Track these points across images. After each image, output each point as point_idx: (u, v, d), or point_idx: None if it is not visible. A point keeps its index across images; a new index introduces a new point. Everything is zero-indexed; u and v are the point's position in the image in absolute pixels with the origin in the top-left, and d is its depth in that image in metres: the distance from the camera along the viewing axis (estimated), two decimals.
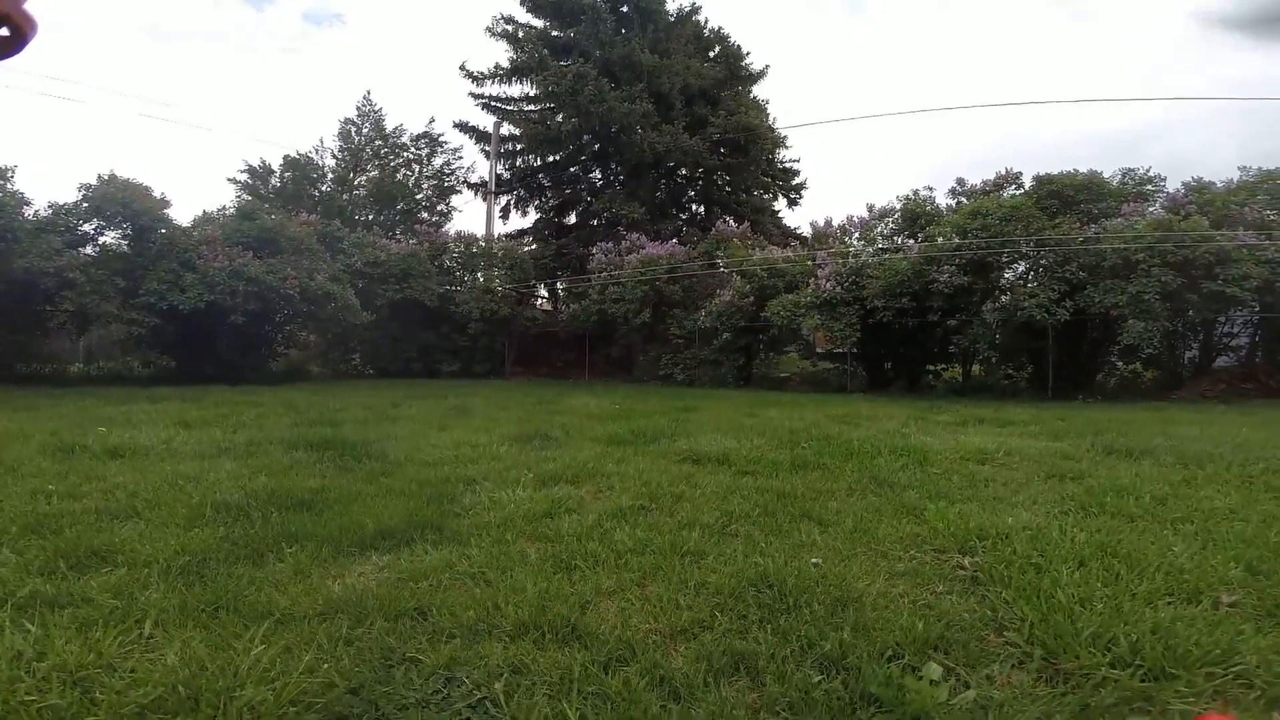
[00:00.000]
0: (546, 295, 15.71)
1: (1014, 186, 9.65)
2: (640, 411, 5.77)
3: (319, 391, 8.10)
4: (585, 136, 15.19)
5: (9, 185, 7.45)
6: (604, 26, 15.44)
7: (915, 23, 50.86)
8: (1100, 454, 3.64)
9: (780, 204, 18.49)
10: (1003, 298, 8.05)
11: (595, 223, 15.22)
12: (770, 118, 18.69)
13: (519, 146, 17.05)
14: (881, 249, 9.66)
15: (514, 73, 16.28)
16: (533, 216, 17.72)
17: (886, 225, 10.16)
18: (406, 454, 3.54)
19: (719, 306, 10.25)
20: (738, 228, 12.83)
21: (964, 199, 10.20)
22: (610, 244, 12.89)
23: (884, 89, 50.75)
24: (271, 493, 2.55)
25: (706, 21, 17.72)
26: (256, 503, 2.41)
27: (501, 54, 16.87)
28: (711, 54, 17.88)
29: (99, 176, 7.70)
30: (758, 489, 2.73)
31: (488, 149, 16.90)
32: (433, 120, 19.13)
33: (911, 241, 9.06)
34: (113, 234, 7.57)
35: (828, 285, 9.12)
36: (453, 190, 18.02)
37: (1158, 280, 7.11)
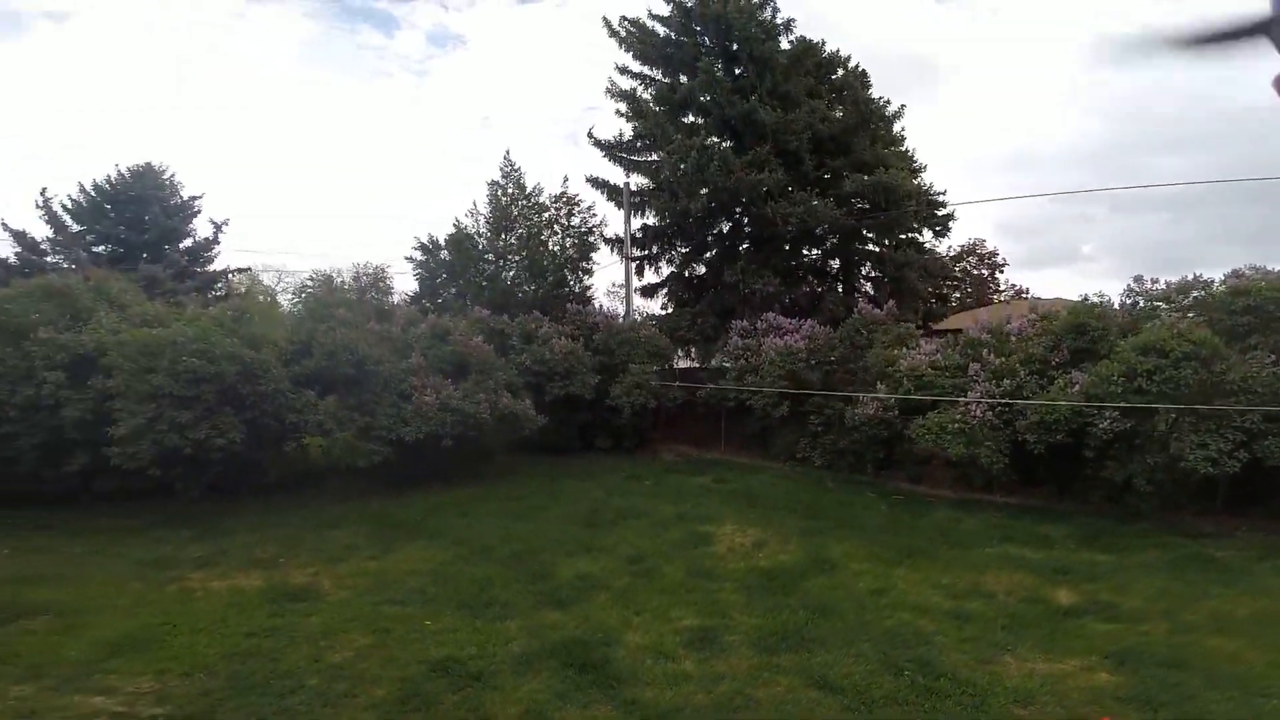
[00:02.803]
0: (684, 355, 17.14)
1: (1199, 291, 9.71)
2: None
3: (516, 488, 10.21)
4: (713, 205, 16.22)
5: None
6: (719, 88, 16.24)
7: None
8: None
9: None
10: (1167, 445, 8.06)
11: (728, 294, 16.25)
12: (912, 157, 19.14)
13: (648, 207, 18.50)
14: (1040, 368, 10.02)
15: (638, 140, 17.77)
16: (666, 270, 19.30)
17: (1047, 338, 10.38)
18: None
19: (859, 419, 11.02)
20: (882, 310, 13.49)
21: (1140, 300, 10.37)
22: (745, 323, 13.99)
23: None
24: None
25: (823, 43, 18.01)
26: None
27: (624, 102, 18.32)
28: (833, 76, 18.23)
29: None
30: None
31: (618, 196, 18.49)
32: (566, 180, 21.04)
33: (1078, 375, 9.30)
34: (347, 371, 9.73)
35: (977, 411, 9.60)
36: (592, 247, 19.95)
37: None
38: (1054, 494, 10.46)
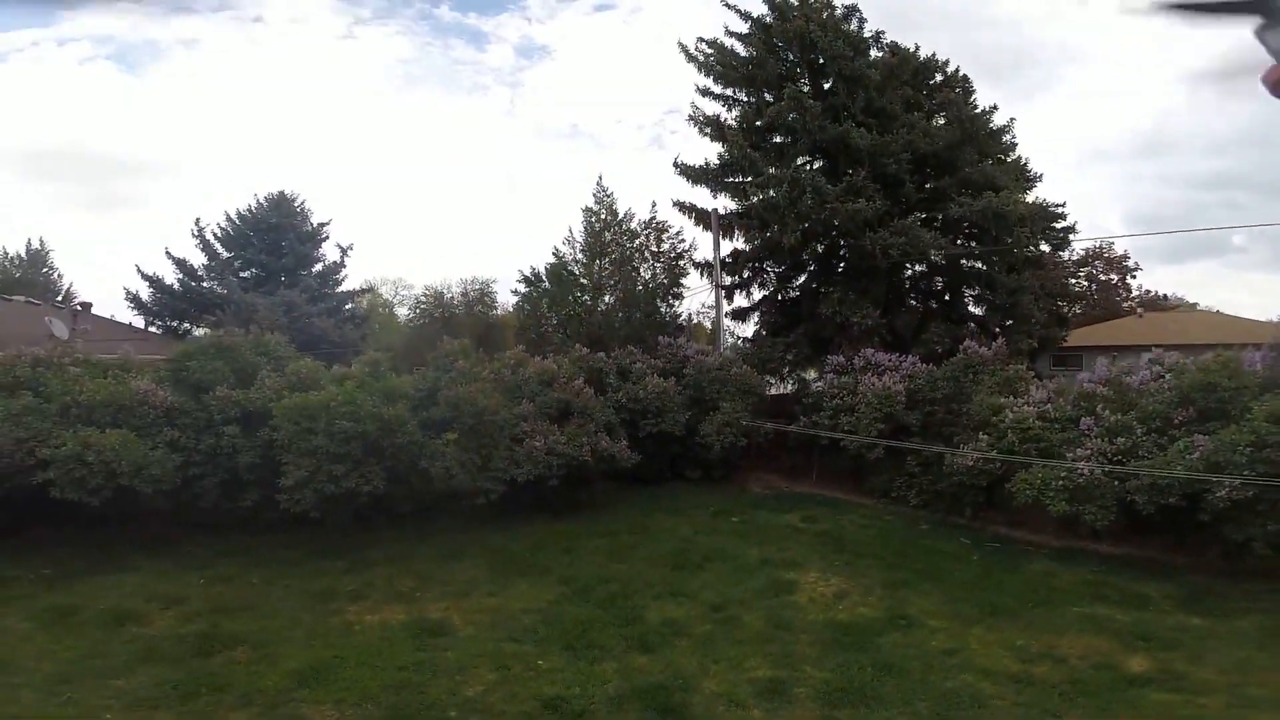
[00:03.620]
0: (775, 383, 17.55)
1: None
2: None
3: (611, 521, 11.19)
4: (807, 235, 16.27)
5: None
6: (809, 113, 15.93)
7: None
8: None
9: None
10: None
11: (824, 324, 16.33)
12: (1026, 167, 18.48)
13: (737, 229, 18.88)
14: (1161, 426, 9.75)
15: (725, 169, 18.14)
16: (757, 293, 19.71)
17: (1172, 394, 10.07)
18: None
19: (958, 471, 11.14)
20: (990, 348, 13.32)
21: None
22: (840, 358, 14.24)
23: None
24: None
25: (916, 49, 17.35)
26: None
27: (708, 129, 18.67)
28: (930, 81, 17.77)
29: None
30: None
31: (705, 220, 19.00)
32: (655, 205, 22.00)
33: (1200, 439, 9.00)
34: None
35: (1085, 469, 9.49)
36: (683, 272, 20.85)
37: None
38: (1166, 545, 10.24)
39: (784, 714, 5.73)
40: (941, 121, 16.82)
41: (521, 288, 21.34)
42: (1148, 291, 27.34)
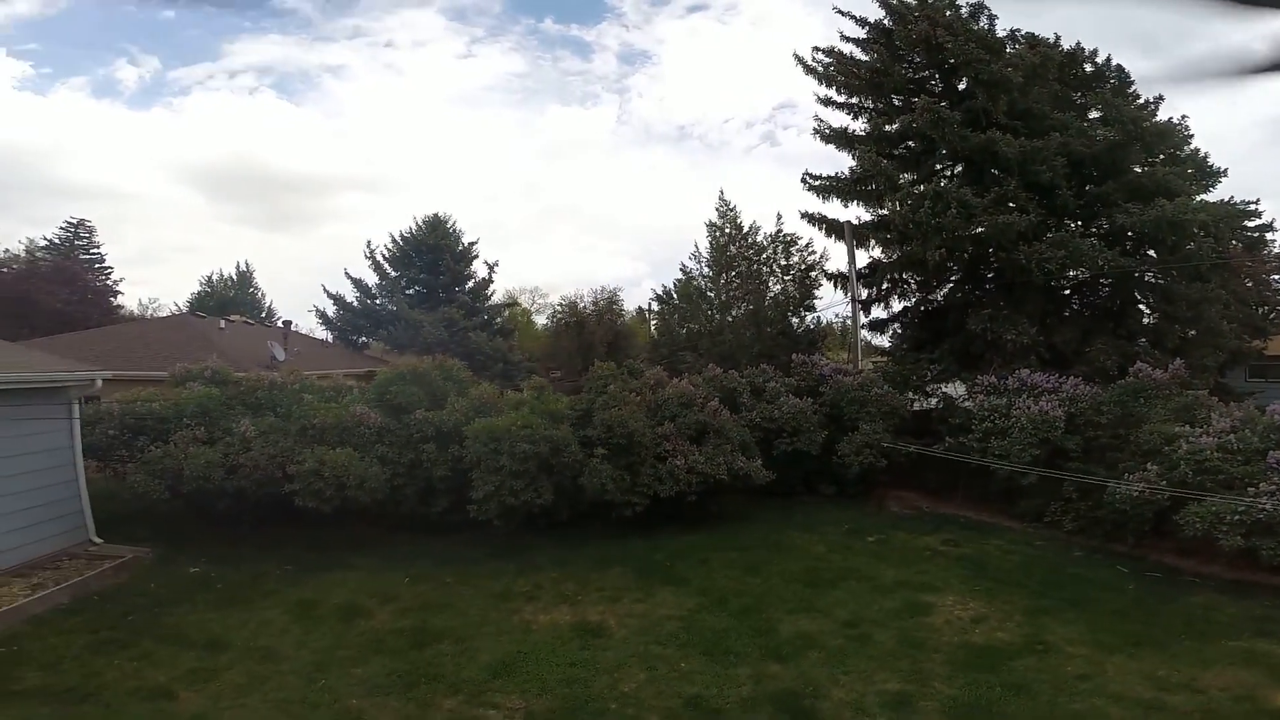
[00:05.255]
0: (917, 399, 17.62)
1: None
2: None
3: (744, 536, 12.05)
4: (952, 248, 16.24)
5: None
6: (947, 125, 15.63)
7: None
8: None
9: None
10: None
11: (973, 341, 16.22)
12: (1205, 163, 17.20)
13: (872, 239, 18.96)
14: None
15: (856, 181, 18.32)
16: (896, 304, 19.72)
17: None
18: None
19: (1121, 500, 10.97)
20: (1165, 372, 12.85)
21: None
22: (992, 378, 14.20)
23: None
24: None
25: (1057, 40, 16.41)
26: None
27: (834, 143, 18.74)
28: (1074, 74, 16.67)
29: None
30: None
31: (837, 230, 19.23)
32: (781, 218, 22.66)
33: None
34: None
35: (1267, 504, 9.18)
36: (815, 284, 21.38)
37: None
38: None
39: None
40: (1096, 116, 16.06)
41: (654, 305, 22.98)
42: None
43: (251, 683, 7.05)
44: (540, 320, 46.58)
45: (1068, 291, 17.31)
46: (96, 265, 37.13)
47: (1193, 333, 16.15)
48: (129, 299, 42.65)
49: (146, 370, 14.66)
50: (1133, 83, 16.63)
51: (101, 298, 34.90)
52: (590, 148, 72.74)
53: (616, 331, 35.75)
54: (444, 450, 11.45)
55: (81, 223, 37.77)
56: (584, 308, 38.05)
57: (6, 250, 35.81)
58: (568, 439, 11.13)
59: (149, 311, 42.60)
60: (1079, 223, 15.94)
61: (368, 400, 12.33)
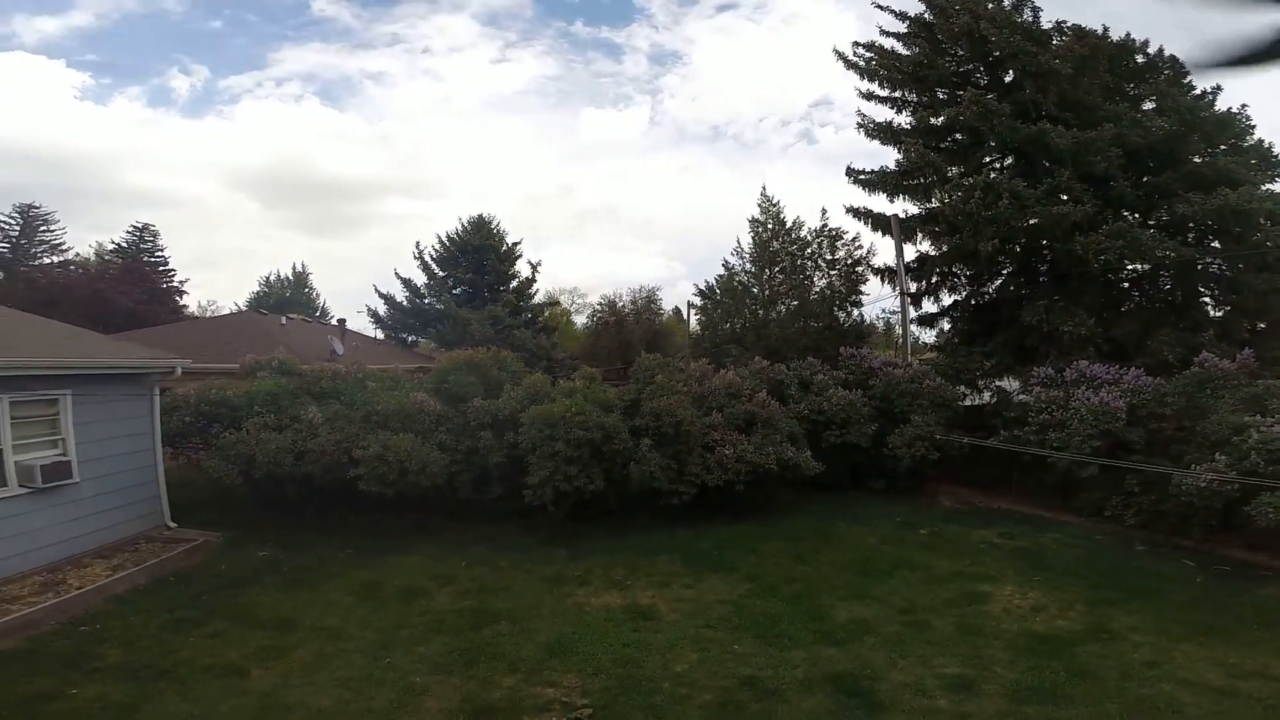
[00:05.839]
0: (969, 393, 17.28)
1: None
2: None
3: (793, 527, 11.97)
4: (1005, 240, 15.95)
5: None
6: (996, 117, 15.39)
7: None
8: None
9: None
10: None
11: (1028, 333, 15.84)
12: (1270, 151, 16.48)
13: (919, 233, 18.69)
14: None
15: (904, 174, 18.06)
16: (946, 298, 19.37)
17: None
18: None
19: (1187, 491, 10.61)
20: (1232, 362, 12.38)
21: None
22: (1049, 370, 13.80)
23: None
24: None
25: (1105, 31, 15.90)
26: None
27: (878, 137, 18.51)
28: (1126, 64, 16.24)
29: None
30: None
31: (884, 225, 19.01)
32: (826, 214, 22.44)
33: None
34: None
35: None
36: (861, 279, 21.14)
37: None
38: None
39: (971, 705, 6.33)
40: (1151, 107, 15.61)
41: (698, 300, 23.06)
42: None
43: (319, 660, 7.30)
44: (579, 320, 47.17)
45: (1127, 285, 16.83)
46: (161, 267, 38.84)
47: (1262, 325, 15.50)
48: (188, 300, 44.57)
49: (215, 363, 15.30)
50: (1187, 73, 16.04)
51: (168, 297, 36.53)
52: (624, 149, 73.56)
53: (655, 331, 36.03)
54: (500, 437, 11.72)
55: (146, 227, 39.73)
56: (623, 307, 38.43)
57: (78, 254, 37.91)
58: (618, 426, 11.30)
59: (207, 312, 44.41)
60: (1137, 214, 15.48)
61: (426, 389, 12.70)
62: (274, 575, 9.95)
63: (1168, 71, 16.37)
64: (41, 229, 39.14)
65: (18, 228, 38.40)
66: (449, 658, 7.41)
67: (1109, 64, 16.23)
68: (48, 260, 36.98)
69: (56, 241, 39.42)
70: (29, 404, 9.43)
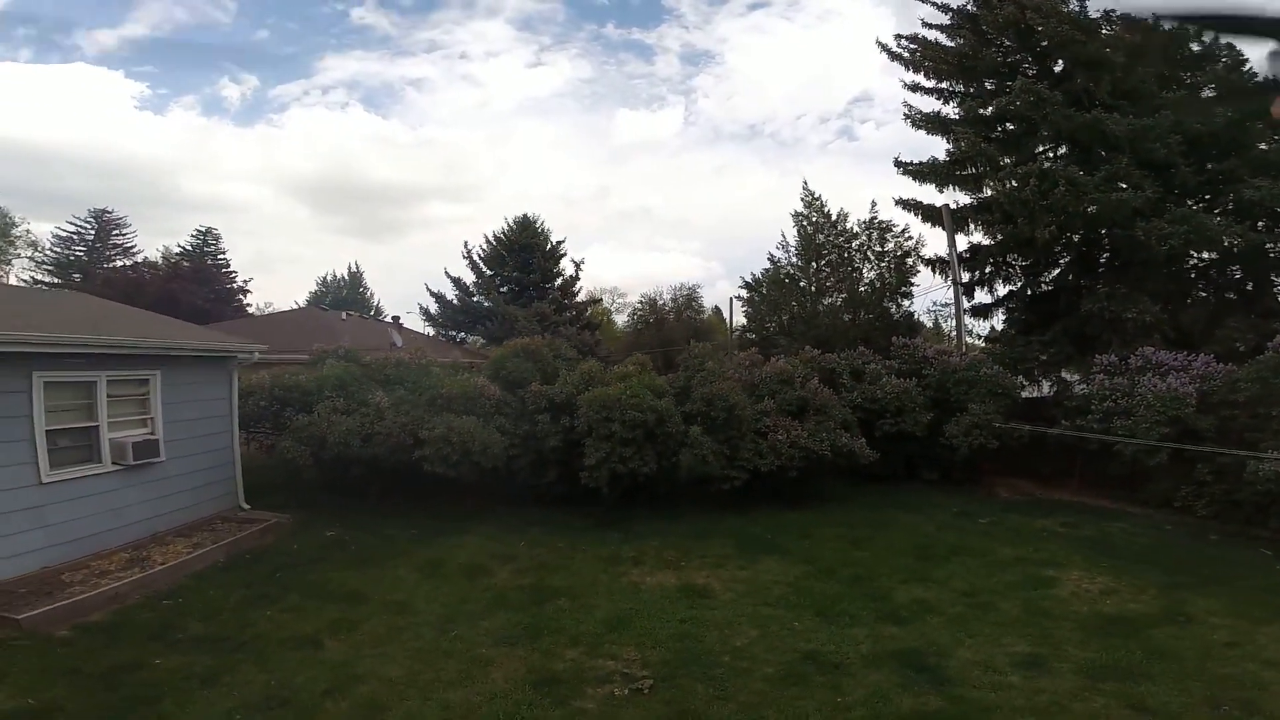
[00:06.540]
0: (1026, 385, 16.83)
1: None
2: None
3: (846, 515, 11.81)
4: (1062, 230, 15.54)
5: None
6: (1049, 104, 14.97)
7: None
8: None
9: None
10: None
11: (1089, 321, 15.36)
12: None
13: (972, 223, 18.26)
14: None
15: (955, 164, 17.67)
16: (1001, 288, 18.92)
17: None
18: None
19: (1264, 479, 10.18)
20: None
21: None
22: (1112, 358, 13.37)
23: None
24: None
25: (1156, 20, 15.59)
26: None
27: (926, 128, 18.17)
28: (1183, 54, 15.53)
29: None
30: None
31: (935, 216, 18.62)
32: (875, 205, 22.09)
33: None
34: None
35: None
36: (911, 271, 20.77)
37: None
38: None
39: (1044, 681, 6.18)
40: (1211, 95, 15.15)
41: (744, 293, 22.97)
42: None
43: (390, 633, 7.49)
44: (620, 319, 47.42)
45: (1193, 275, 16.24)
46: (223, 269, 40.42)
47: None
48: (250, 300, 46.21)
49: (283, 353, 15.84)
50: (1245, 60, 15.48)
51: (233, 297, 38.05)
52: (659, 149, 73.64)
53: (695, 328, 35.99)
54: (555, 421, 11.91)
55: (209, 230, 41.59)
56: (663, 305, 38.50)
57: (146, 257, 39.86)
58: (671, 410, 11.37)
59: (264, 313, 46.06)
60: (1203, 201, 14.93)
61: (485, 375, 13.00)
62: (342, 554, 10.26)
63: (1225, 59, 15.83)
64: (114, 233, 41.20)
65: (93, 232, 40.46)
66: (513, 631, 7.55)
67: (1162, 52, 15.81)
68: (120, 263, 38.88)
69: (128, 245, 41.49)
70: (123, 383, 9.89)
